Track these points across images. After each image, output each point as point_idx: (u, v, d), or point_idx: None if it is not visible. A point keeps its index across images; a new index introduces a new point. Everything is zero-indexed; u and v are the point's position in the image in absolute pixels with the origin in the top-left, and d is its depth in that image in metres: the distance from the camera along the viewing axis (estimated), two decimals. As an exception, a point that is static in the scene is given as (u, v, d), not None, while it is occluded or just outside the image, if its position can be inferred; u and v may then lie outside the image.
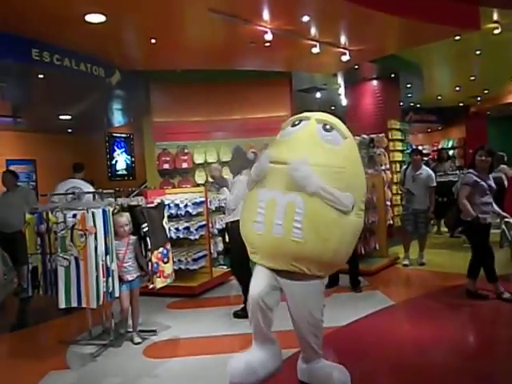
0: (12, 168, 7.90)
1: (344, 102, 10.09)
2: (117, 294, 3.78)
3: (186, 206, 5.64)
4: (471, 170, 4.74)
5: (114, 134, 11.53)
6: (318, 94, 10.12)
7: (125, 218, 3.94)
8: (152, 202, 4.58)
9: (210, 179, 4.99)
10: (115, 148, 11.59)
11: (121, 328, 4.14)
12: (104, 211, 3.70)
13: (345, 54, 6.78)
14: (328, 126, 2.99)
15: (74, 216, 3.67)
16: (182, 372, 3.43)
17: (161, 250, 4.14)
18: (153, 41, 5.90)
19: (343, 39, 6.41)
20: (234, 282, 4.67)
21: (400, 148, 9.45)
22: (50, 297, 3.92)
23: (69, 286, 3.64)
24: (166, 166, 8.04)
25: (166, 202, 5.24)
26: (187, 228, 5.55)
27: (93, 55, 6.10)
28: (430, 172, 6.48)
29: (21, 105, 7.99)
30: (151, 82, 7.90)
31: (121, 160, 11.72)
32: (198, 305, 5.07)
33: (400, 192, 7.28)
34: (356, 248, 5.45)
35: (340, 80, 9.20)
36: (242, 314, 4.26)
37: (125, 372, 3.49)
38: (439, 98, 12.82)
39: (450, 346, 3.66)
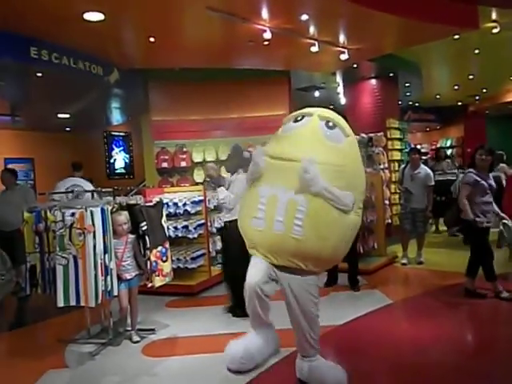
0: (10, 167, 7.88)
1: (343, 100, 10.09)
2: (115, 293, 3.78)
3: (184, 204, 5.64)
4: (471, 170, 4.72)
5: (113, 133, 11.51)
6: (317, 93, 10.12)
7: (123, 216, 3.93)
8: (151, 201, 4.57)
9: (207, 178, 4.96)
10: (114, 146, 11.58)
11: (119, 327, 4.15)
12: (102, 210, 3.70)
13: (343, 52, 6.77)
14: (331, 124, 2.98)
15: (73, 215, 3.67)
16: (181, 370, 3.43)
17: (159, 248, 4.15)
18: (151, 39, 5.88)
19: (342, 38, 6.40)
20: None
21: (398, 147, 9.46)
22: (48, 295, 3.92)
23: (67, 285, 3.64)
24: (165, 165, 8.02)
25: (165, 201, 5.25)
26: (186, 227, 5.56)
27: (91, 53, 6.09)
28: (429, 171, 6.49)
29: (19, 103, 7.97)
30: (150, 80, 7.88)
31: (119, 158, 11.71)
32: (196, 303, 5.08)
33: (398, 191, 7.29)
34: (356, 247, 5.52)
35: (339, 79, 9.20)
36: (240, 313, 4.26)
37: (123, 371, 3.49)
38: (438, 97, 12.83)
39: (448, 345, 3.67)
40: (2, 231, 5.73)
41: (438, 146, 15.81)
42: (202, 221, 5.69)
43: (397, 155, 9.36)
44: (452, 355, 3.49)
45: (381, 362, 3.43)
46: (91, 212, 3.61)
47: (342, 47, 6.71)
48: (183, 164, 8.04)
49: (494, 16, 6.25)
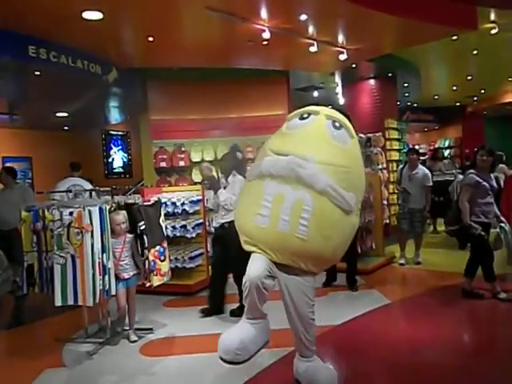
0: (8, 165, 7.86)
1: (341, 100, 10.11)
2: (113, 292, 3.77)
3: (182, 204, 5.64)
4: (472, 171, 4.69)
5: (111, 132, 11.49)
6: (316, 93, 10.13)
7: (121, 215, 3.93)
8: (149, 200, 4.56)
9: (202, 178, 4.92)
10: (112, 146, 11.55)
11: (117, 326, 4.14)
12: (101, 209, 3.70)
13: (342, 52, 6.79)
14: (337, 124, 2.95)
15: (71, 214, 3.66)
16: (178, 370, 3.43)
17: (158, 248, 4.14)
18: (150, 38, 5.88)
19: (341, 38, 6.42)
20: (230, 281, 4.66)
21: (397, 147, 9.48)
22: (46, 295, 3.91)
23: (65, 284, 3.63)
24: (163, 164, 8.02)
25: (163, 200, 5.23)
26: (184, 226, 5.55)
27: (90, 52, 6.08)
28: (427, 171, 6.50)
29: (17, 102, 7.96)
30: (148, 79, 7.88)
31: (117, 158, 11.68)
32: (194, 303, 5.07)
33: (396, 191, 7.30)
34: (355, 247, 5.52)
35: (337, 79, 9.21)
36: (238, 313, 4.26)
37: (121, 370, 3.48)
38: (436, 97, 12.86)
39: (445, 345, 3.67)
40: (0, 230, 5.72)
41: (436, 146, 15.85)
42: (201, 220, 5.69)
43: (395, 155, 9.38)
44: (450, 355, 3.49)
45: (378, 362, 3.43)
46: (89, 211, 3.60)
47: (341, 47, 6.72)
48: (181, 163, 8.04)
49: (492, 17, 6.28)
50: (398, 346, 3.72)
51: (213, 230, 5.34)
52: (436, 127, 16.44)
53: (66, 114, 8.78)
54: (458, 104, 14.34)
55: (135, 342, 3.98)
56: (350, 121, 3.07)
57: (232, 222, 3.85)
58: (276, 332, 3.47)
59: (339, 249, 2.94)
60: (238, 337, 3.08)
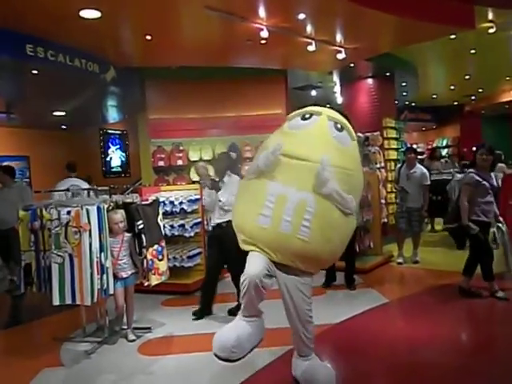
0: (6, 164, 7.83)
1: (339, 100, 10.11)
2: (111, 291, 3.77)
3: (181, 203, 5.64)
4: (472, 170, 4.69)
5: (109, 131, 11.47)
6: (314, 92, 10.13)
7: (119, 214, 3.92)
8: (147, 199, 4.56)
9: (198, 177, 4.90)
10: (110, 145, 11.54)
11: (115, 325, 4.14)
12: (99, 208, 3.69)
13: (340, 52, 6.78)
14: (339, 125, 2.94)
15: (69, 213, 3.65)
16: (177, 369, 3.43)
17: (156, 247, 4.14)
18: (148, 37, 5.86)
19: (339, 37, 6.41)
20: (228, 280, 4.66)
21: (395, 146, 9.47)
22: (43, 294, 3.90)
23: (63, 283, 3.63)
24: (161, 163, 8.01)
25: (161, 199, 5.24)
26: (182, 225, 5.55)
27: (87, 51, 6.06)
28: (425, 170, 6.51)
29: (14, 101, 7.92)
30: (146, 78, 7.86)
31: (115, 157, 11.67)
32: (192, 302, 5.06)
33: (394, 190, 7.30)
34: (354, 246, 5.53)
35: (335, 78, 9.21)
36: (236, 312, 4.25)
37: (119, 369, 3.48)
38: (434, 96, 12.87)
39: (443, 344, 3.68)
40: (-2, 229, 5.70)
41: (434, 145, 15.87)
42: (199, 219, 5.69)
43: (393, 154, 9.37)
44: (448, 354, 3.50)
45: (377, 361, 3.44)
46: (87, 210, 3.60)
47: (339, 46, 6.71)
48: (180, 162, 8.03)
49: (490, 16, 6.28)
50: (396, 345, 3.72)
51: (210, 229, 5.34)
52: (434, 126, 16.46)
53: (63, 113, 8.75)
54: (455, 103, 14.36)
55: (133, 341, 3.98)
56: (348, 121, 3.07)
57: (230, 221, 3.84)
58: (273, 331, 3.46)
59: (338, 250, 2.95)
60: (233, 334, 3.07)
